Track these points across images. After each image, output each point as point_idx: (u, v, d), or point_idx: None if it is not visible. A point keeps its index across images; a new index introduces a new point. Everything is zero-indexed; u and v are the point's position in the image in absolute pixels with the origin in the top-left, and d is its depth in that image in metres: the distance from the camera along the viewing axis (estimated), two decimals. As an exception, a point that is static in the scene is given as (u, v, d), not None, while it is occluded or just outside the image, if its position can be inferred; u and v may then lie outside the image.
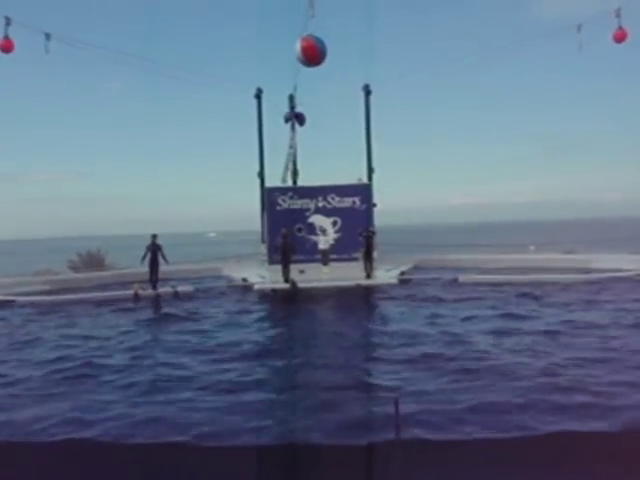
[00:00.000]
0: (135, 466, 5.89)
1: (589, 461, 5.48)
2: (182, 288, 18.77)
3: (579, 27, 19.06)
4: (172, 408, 7.10)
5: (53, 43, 18.49)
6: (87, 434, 6.32)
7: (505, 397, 7.07)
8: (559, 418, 6.32)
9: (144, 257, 18.78)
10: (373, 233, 21.01)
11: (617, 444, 5.80)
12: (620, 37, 18.88)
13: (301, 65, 18.15)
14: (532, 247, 29.64)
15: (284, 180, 24.17)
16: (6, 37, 17.48)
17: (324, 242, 21.66)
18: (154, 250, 18.74)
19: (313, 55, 16.96)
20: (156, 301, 17.49)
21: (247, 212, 24.92)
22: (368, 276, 19.74)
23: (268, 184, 23.73)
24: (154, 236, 18.86)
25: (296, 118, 24.15)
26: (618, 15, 18.57)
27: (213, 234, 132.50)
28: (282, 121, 24.22)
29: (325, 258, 21.51)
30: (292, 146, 24.29)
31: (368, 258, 20.14)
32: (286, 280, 19.20)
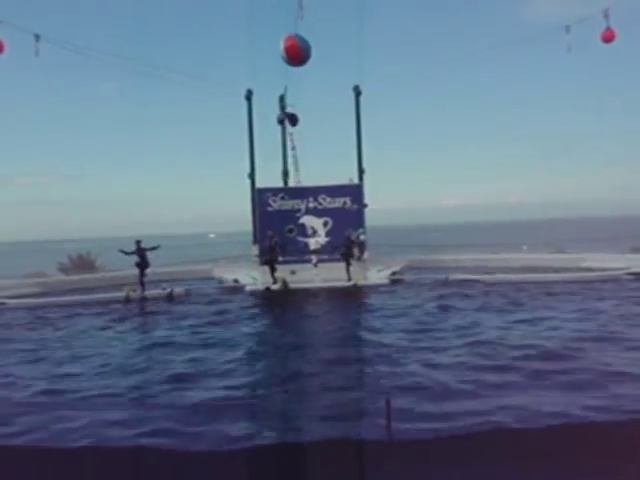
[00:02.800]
0: (127, 471, 5.89)
1: (585, 454, 5.50)
2: (173, 290, 18.75)
3: (567, 28, 19.19)
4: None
5: (44, 45, 18.47)
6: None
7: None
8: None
9: (128, 254, 18.80)
10: (356, 238, 20.89)
11: (614, 433, 5.84)
12: (609, 37, 19.02)
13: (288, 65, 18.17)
14: (524, 247, 29.78)
15: (298, 180, 24.13)
16: (-5, 39, 17.47)
17: (315, 243, 21.63)
18: (141, 255, 18.74)
19: (296, 55, 16.98)
20: (146, 303, 17.48)
21: (245, 213, 24.91)
22: (349, 279, 19.62)
23: (259, 185, 23.71)
24: (138, 242, 18.92)
25: (289, 119, 24.14)
26: (606, 16, 18.71)
27: (213, 235, 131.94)
28: (272, 122, 24.23)
29: (316, 259, 21.46)
30: (294, 147, 24.27)
31: (347, 261, 20.00)
32: (274, 282, 19.22)
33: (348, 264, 19.87)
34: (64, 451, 6.08)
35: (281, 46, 16.19)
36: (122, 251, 18.96)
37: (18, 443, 6.16)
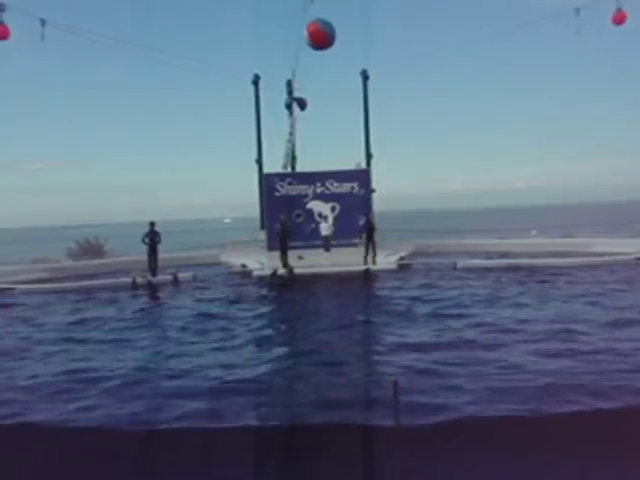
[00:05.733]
0: (131, 451, 5.89)
1: (591, 441, 5.48)
2: (181, 275, 18.72)
3: (577, 10, 18.93)
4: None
5: (50, 30, 18.42)
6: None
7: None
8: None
9: (144, 237, 18.75)
10: (372, 220, 20.95)
11: (617, 421, 5.82)
12: (619, 19, 18.76)
13: (309, 50, 18.13)
14: (534, 232, 29.55)
15: (285, 167, 24.16)
16: (1, 23, 17.42)
17: (327, 228, 21.54)
18: (152, 237, 18.69)
19: (321, 39, 17.02)
20: (154, 288, 17.50)
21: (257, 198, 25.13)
22: (371, 262, 19.58)
23: (266, 170, 23.68)
24: (152, 223, 18.79)
25: (297, 103, 24.05)
26: (617, -3, 18.44)
27: (229, 220, 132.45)
28: (279, 107, 24.18)
29: (327, 244, 21.42)
30: (292, 132, 24.23)
31: (369, 245, 20.03)
32: (284, 266, 19.16)
33: (374, 248, 19.85)
34: (70, 430, 6.14)
35: (304, 33, 16.18)
36: (143, 241, 18.84)
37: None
